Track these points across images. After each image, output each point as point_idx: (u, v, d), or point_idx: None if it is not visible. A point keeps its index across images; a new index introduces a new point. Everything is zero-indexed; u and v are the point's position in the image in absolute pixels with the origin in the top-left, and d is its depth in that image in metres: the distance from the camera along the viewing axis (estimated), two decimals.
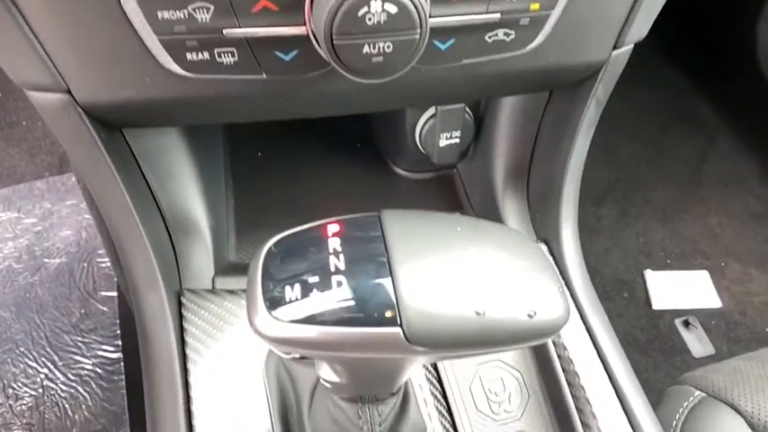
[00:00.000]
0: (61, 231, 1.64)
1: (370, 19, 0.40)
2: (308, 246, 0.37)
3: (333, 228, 0.37)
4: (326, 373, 0.42)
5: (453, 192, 0.85)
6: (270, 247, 0.38)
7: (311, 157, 0.86)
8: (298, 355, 0.39)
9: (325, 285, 0.34)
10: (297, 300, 0.34)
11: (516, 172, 0.73)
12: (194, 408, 0.56)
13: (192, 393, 0.57)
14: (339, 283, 0.34)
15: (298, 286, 0.35)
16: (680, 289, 1.63)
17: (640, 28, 0.56)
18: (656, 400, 0.79)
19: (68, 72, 0.47)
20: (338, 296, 0.34)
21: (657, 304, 1.58)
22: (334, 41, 0.41)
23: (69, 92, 0.48)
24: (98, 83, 0.48)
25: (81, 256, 1.59)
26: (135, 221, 0.56)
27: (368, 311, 0.34)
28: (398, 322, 0.34)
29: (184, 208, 0.65)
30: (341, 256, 0.35)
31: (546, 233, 0.71)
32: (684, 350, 1.54)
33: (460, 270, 0.35)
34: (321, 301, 0.34)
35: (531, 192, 0.73)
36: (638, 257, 1.68)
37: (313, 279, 0.35)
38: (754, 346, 1.41)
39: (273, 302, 0.35)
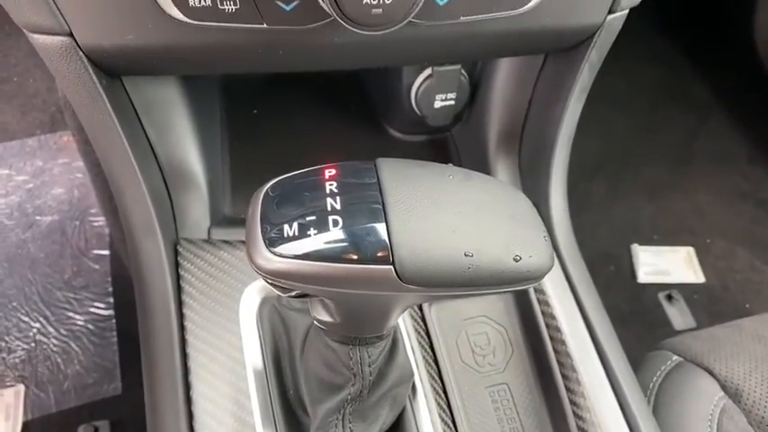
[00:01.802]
0: (53, 189, 1.64)
1: None
2: (306, 187, 0.38)
3: (330, 171, 0.39)
4: (320, 313, 0.43)
5: (446, 155, 0.86)
6: (269, 188, 0.39)
7: (306, 117, 0.86)
8: (295, 293, 0.41)
9: (322, 223, 0.36)
10: (295, 237, 0.36)
11: (509, 136, 0.74)
12: (189, 350, 0.58)
13: (188, 337, 0.59)
14: (335, 222, 0.36)
15: (296, 224, 0.36)
16: (665, 264, 1.66)
17: None
18: (636, 368, 0.82)
19: (71, 14, 0.47)
20: (334, 234, 0.35)
21: (642, 278, 1.62)
22: None
23: (71, 35, 0.49)
24: (100, 26, 0.48)
25: (73, 215, 1.59)
26: (134, 169, 0.57)
27: (363, 249, 0.35)
28: (391, 260, 0.35)
29: (182, 160, 0.66)
30: (337, 197, 0.37)
31: (536, 197, 0.72)
32: (666, 323, 1.58)
33: (451, 214, 0.37)
34: (318, 239, 0.36)
35: (522, 156, 0.75)
36: (626, 232, 1.70)
37: (311, 218, 0.36)
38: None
39: (273, 238, 0.36)
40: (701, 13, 2.08)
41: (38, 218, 1.59)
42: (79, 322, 1.41)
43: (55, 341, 1.38)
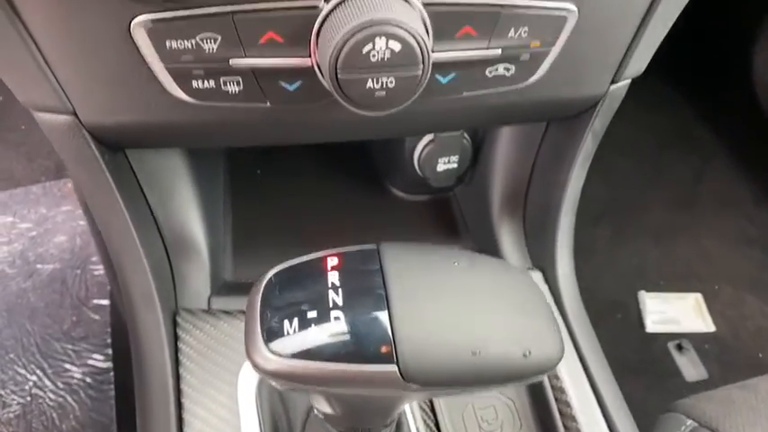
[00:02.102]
0: (56, 237, 1.64)
1: (374, 56, 0.41)
2: (307, 279, 0.37)
3: (332, 261, 0.38)
4: (321, 404, 0.42)
5: (450, 214, 0.86)
6: (269, 280, 0.38)
7: (309, 176, 0.87)
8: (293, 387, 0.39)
9: (323, 321, 0.35)
10: (295, 335, 0.35)
11: (513, 199, 0.74)
12: (186, 430, 0.56)
13: (185, 415, 0.57)
14: (337, 319, 0.35)
15: (296, 321, 0.35)
16: (673, 311, 1.63)
17: (638, 63, 0.57)
18: (647, 424, 0.79)
19: (75, 95, 0.47)
20: (336, 332, 0.34)
21: (651, 327, 1.59)
22: (339, 76, 0.42)
23: (75, 114, 0.49)
24: (104, 106, 0.48)
25: (74, 263, 1.58)
26: (134, 242, 0.56)
27: (365, 348, 0.34)
28: (395, 360, 0.34)
29: (183, 227, 0.65)
30: (339, 290, 0.36)
31: (541, 261, 0.72)
32: (677, 373, 1.54)
33: (457, 308, 0.36)
34: (319, 337, 0.34)
35: (527, 219, 0.74)
36: (632, 278, 1.68)
37: (312, 314, 0.35)
38: (747, 372, 1.41)
39: (272, 336, 0.35)
40: (701, 57, 2.11)
41: (39, 266, 1.58)
42: (77, 375, 1.38)
43: (51, 395, 1.35)
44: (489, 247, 0.75)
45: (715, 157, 1.96)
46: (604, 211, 1.78)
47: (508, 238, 0.74)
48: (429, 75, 0.44)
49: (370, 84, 0.43)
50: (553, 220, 0.68)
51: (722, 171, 1.92)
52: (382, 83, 0.43)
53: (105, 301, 1.50)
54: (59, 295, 1.52)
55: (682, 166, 1.92)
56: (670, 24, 0.55)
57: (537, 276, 0.71)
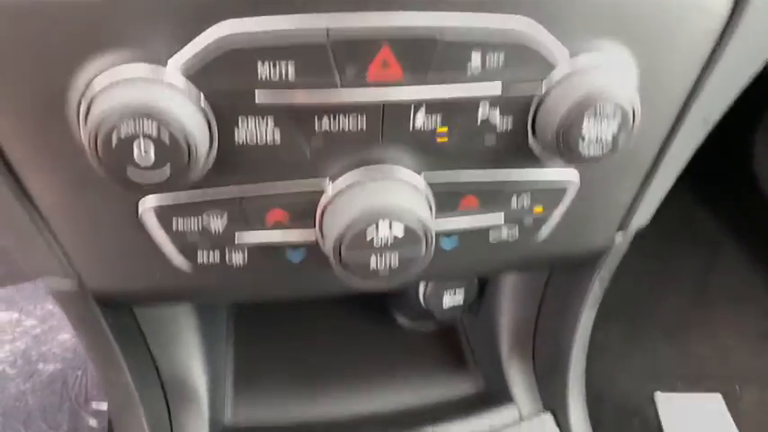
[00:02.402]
0: (59, 335, 1.62)
1: (377, 242, 0.42)
2: None
3: None
4: None
5: (458, 345, 0.84)
6: None
7: (312, 306, 0.86)
8: None
9: None
10: None
11: (521, 337, 0.72)
12: None
13: None
14: None
15: None
16: (693, 416, 1.56)
17: (643, 216, 0.58)
18: None
19: (81, 266, 0.48)
20: None
21: None
22: (343, 258, 0.42)
23: (80, 281, 0.49)
24: (109, 276, 0.49)
25: (77, 363, 1.55)
26: (135, 400, 0.55)
27: None
28: None
29: (186, 374, 0.64)
30: None
31: (552, 403, 0.69)
32: None
33: None
34: None
35: (536, 359, 0.72)
36: (647, 380, 1.62)
37: None
38: None
39: None
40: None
41: (41, 366, 1.55)
42: None
43: None
44: (498, 385, 0.73)
45: (722, 244, 1.94)
46: (613, 308, 1.73)
47: (518, 379, 0.71)
48: (433, 250, 0.44)
49: (373, 264, 0.43)
50: (564, 362, 0.66)
51: (732, 264, 1.89)
52: (386, 262, 0.43)
53: (104, 406, 1.45)
54: (59, 397, 1.48)
55: (690, 258, 1.90)
56: (672, 181, 0.56)
57: (548, 419, 0.68)
